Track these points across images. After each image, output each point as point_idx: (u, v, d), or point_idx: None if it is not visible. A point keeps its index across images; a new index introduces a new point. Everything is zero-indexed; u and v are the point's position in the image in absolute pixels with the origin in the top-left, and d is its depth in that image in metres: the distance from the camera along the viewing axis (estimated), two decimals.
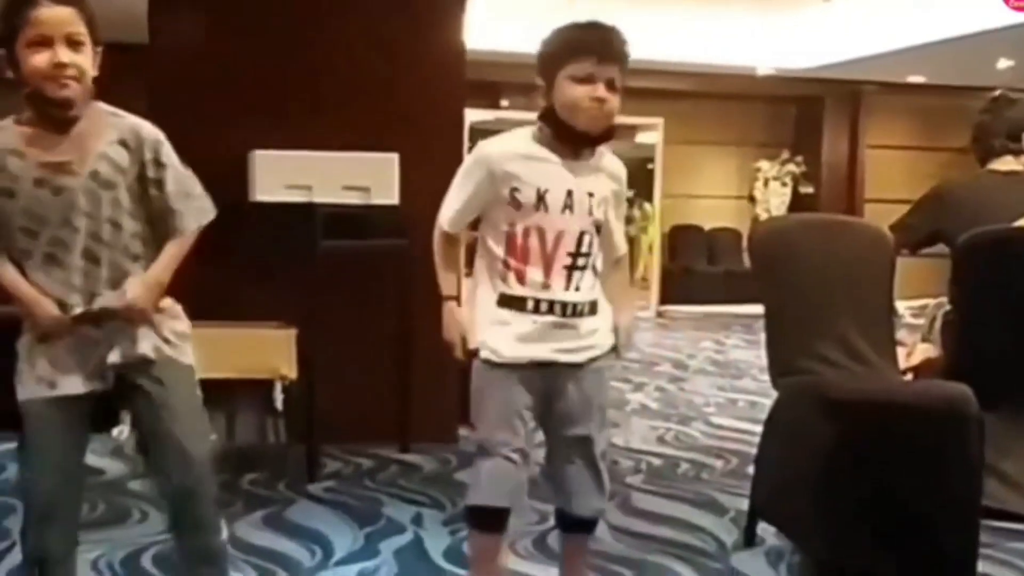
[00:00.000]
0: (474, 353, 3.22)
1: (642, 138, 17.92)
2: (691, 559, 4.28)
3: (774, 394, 4.36)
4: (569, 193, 3.16)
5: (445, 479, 5.15)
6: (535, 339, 3.17)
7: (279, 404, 5.44)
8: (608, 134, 3.21)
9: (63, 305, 2.93)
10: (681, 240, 17.64)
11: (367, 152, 5.40)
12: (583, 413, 3.29)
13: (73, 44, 2.84)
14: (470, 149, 3.33)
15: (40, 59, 2.81)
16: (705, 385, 8.81)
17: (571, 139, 3.18)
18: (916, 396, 4.01)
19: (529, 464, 3.28)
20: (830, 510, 3.77)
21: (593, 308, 3.24)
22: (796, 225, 4.74)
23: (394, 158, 5.43)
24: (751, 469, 4.65)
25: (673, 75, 15.93)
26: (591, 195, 3.19)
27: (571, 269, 3.18)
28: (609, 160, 3.31)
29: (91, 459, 3.05)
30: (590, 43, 3.16)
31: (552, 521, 4.64)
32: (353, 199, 5.29)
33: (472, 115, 6.54)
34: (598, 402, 3.33)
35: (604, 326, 3.30)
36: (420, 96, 6.05)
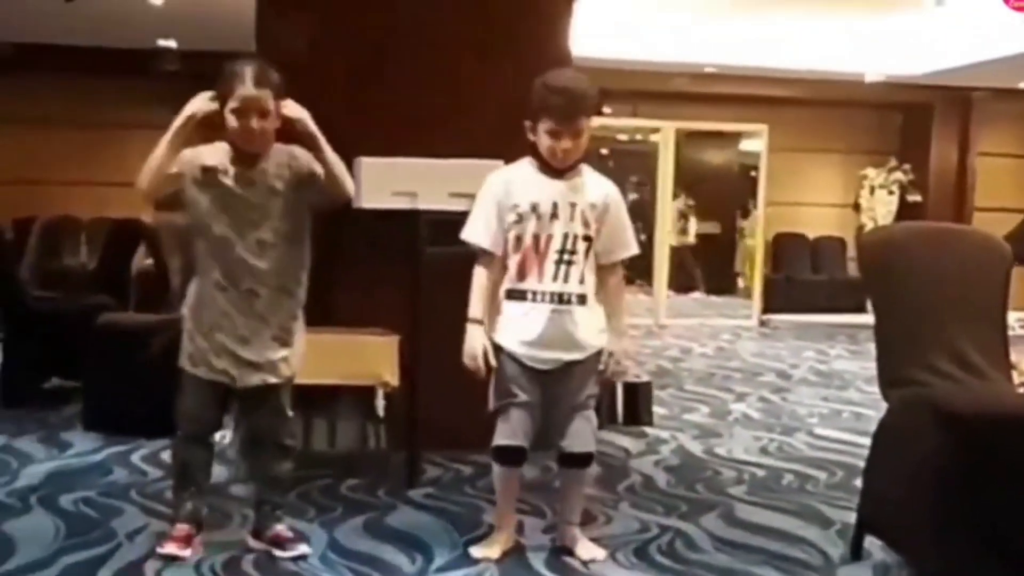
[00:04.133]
0: (490, 367, 4.12)
1: (746, 145, 17.77)
2: (796, 572, 4.20)
3: (880, 406, 4.28)
4: (554, 204, 4.10)
5: (546, 487, 5.10)
6: (535, 336, 4.09)
7: (380, 410, 5.46)
8: (578, 162, 4.16)
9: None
10: (785, 248, 17.45)
11: (473, 159, 5.39)
12: (577, 391, 4.17)
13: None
14: None
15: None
16: (809, 395, 8.67)
17: (550, 169, 4.14)
18: None
19: (535, 416, 4.17)
20: (945, 525, 3.69)
21: (582, 300, 4.12)
22: (908, 233, 4.63)
23: (499, 165, 5.40)
24: (857, 482, 4.57)
25: (779, 82, 15.79)
26: (573, 205, 4.10)
27: (559, 264, 4.09)
28: (591, 179, 4.21)
29: None
30: (556, 107, 4.05)
31: (654, 530, 4.64)
32: (459, 206, 5.27)
33: None
34: (587, 386, 4.20)
35: (594, 322, 4.15)
36: (526, 103, 6.03)
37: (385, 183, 5.28)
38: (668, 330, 13.77)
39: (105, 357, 6.52)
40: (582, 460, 4.27)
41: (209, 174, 4.07)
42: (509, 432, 4.17)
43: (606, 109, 16.80)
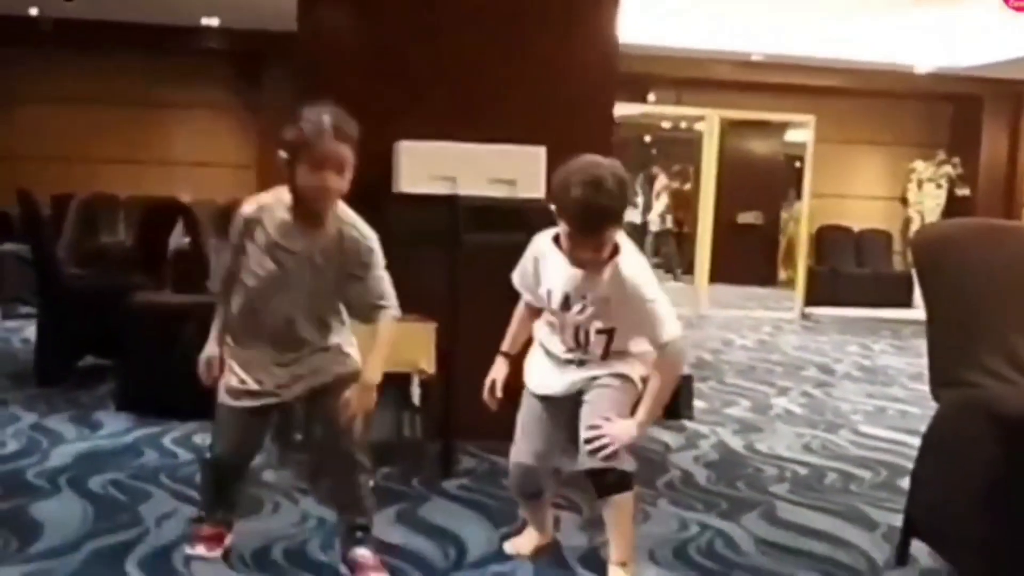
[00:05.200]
0: (499, 400, 4.00)
1: (792, 136, 17.60)
2: None
3: (926, 403, 4.16)
4: (566, 296, 3.75)
5: (584, 482, 5.00)
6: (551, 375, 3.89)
7: (416, 399, 5.37)
8: (604, 261, 3.67)
9: None
10: (829, 240, 17.26)
11: (514, 144, 5.30)
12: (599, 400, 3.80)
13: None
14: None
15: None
16: (852, 391, 8.53)
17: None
18: None
19: (547, 459, 4.00)
20: (996, 532, 3.57)
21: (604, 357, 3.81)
22: (964, 230, 4.48)
23: (541, 151, 5.29)
24: (903, 482, 4.45)
25: (827, 71, 15.62)
26: (584, 297, 3.71)
27: (573, 351, 3.82)
28: (616, 271, 3.67)
29: None
30: (576, 219, 3.56)
31: (693, 529, 4.52)
32: (499, 192, 5.20)
33: (618, 108, 6.38)
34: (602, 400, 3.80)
35: (616, 361, 3.81)
36: (570, 89, 5.94)
37: (424, 167, 5.20)
38: (709, 320, 13.64)
39: (140, 337, 6.48)
40: (610, 486, 3.83)
41: (268, 234, 3.72)
42: (518, 485, 4.06)
43: (650, 96, 16.68)
